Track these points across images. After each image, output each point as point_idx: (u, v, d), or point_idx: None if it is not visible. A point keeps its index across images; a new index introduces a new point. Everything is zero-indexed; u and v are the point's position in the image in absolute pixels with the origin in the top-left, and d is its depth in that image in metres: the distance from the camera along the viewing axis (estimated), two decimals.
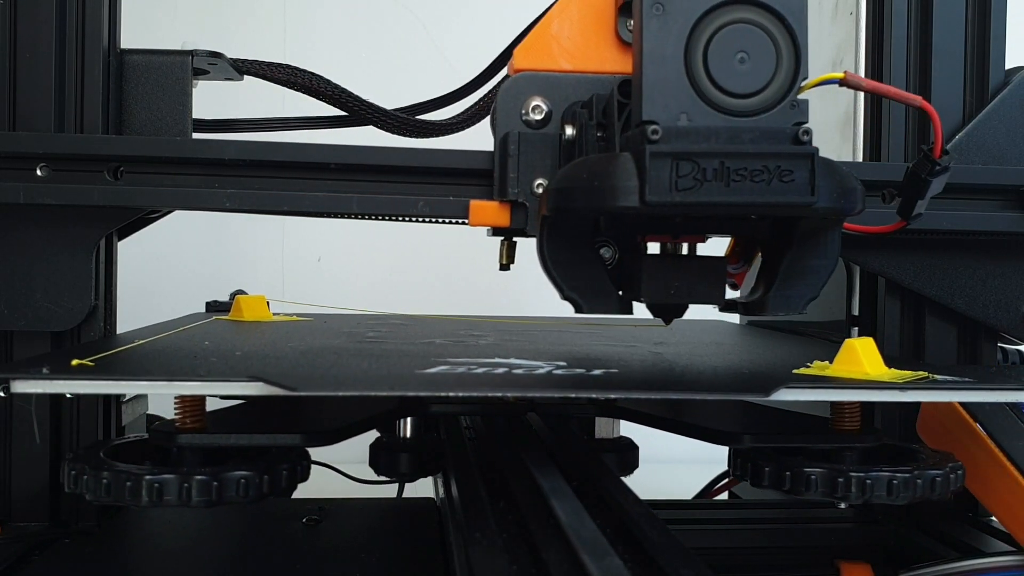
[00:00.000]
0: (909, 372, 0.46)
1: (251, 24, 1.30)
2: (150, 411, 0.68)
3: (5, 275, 0.55)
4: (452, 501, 0.48)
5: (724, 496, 0.81)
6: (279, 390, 0.39)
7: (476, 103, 0.67)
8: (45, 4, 0.56)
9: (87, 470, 0.44)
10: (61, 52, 0.56)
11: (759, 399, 0.43)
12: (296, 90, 0.64)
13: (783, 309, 0.47)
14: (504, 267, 0.55)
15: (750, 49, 0.42)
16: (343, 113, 0.65)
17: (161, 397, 0.55)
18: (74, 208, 0.55)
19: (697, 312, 0.57)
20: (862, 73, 0.66)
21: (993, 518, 0.59)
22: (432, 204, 0.54)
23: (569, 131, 0.49)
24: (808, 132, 0.42)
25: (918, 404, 0.60)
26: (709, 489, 0.79)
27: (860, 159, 0.66)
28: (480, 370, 0.46)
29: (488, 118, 0.66)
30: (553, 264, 0.47)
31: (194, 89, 0.58)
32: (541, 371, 0.47)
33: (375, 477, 0.70)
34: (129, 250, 0.64)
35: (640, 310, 0.50)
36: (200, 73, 0.60)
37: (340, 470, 0.77)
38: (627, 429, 0.64)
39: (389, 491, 0.73)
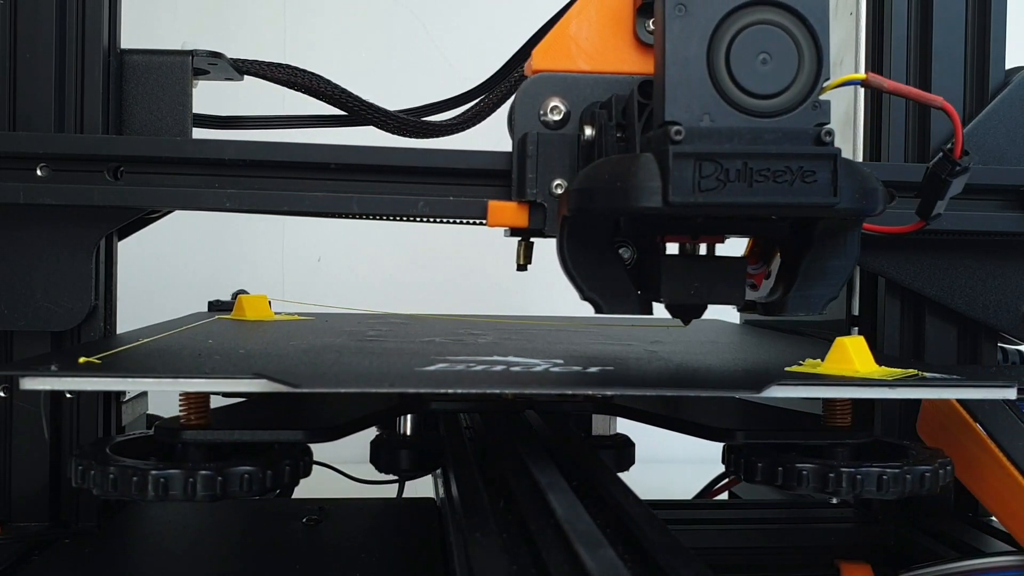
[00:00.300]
0: (899, 370, 0.47)
1: (251, 24, 1.30)
2: (150, 411, 0.68)
3: (5, 275, 0.55)
4: (452, 501, 0.48)
5: (724, 496, 0.81)
6: (282, 387, 0.40)
7: (475, 104, 0.67)
8: (45, 4, 0.56)
9: (94, 465, 0.45)
10: (61, 52, 0.56)
11: (751, 396, 0.43)
12: (296, 90, 0.64)
13: (803, 309, 0.48)
14: (522, 267, 0.56)
15: (772, 50, 0.43)
16: (344, 113, 0.65)
17: (161, 397, 0.55)
18: (74, 208, 0.55)
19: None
20: (863, 72, 0.66)
21: (993, 518, 0.59)
22: (432, 204, 0.54)
23: (588, 132, 0.50)
24: (830, 133, 0.43)
25: (918, 404, 0.60)
26: (709, 489, 0.79)
27: (860, 159, 0.66)
28: (478, 367, 0.47)
29: (486, 119, 0.66)
30: (574, 265, 0.47)
31: (194, 89, 0.58)
32: (538, 369, 0.47)
33: (375, 477, 0.70)
34: (129, 250, 0.64)
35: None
36: (200, 73, 0.60)
37: (340, 470, 0.78)
38: (625, 427, 0.64)
39: (389, 491, 0.73)
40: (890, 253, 0.62)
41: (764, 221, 0.48)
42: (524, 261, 0.55)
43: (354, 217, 0.57)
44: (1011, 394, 0.45)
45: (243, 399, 0.57)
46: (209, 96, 0.62)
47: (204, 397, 0.48)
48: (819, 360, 0.49)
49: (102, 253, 0.58)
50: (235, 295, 0.83)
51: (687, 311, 0.50)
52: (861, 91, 0.66)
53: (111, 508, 0.59)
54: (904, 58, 0.64)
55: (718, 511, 0.71)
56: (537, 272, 0.57)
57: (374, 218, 0.57)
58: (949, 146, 0.50)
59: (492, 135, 0.65)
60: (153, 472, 0.43)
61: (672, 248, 0.50)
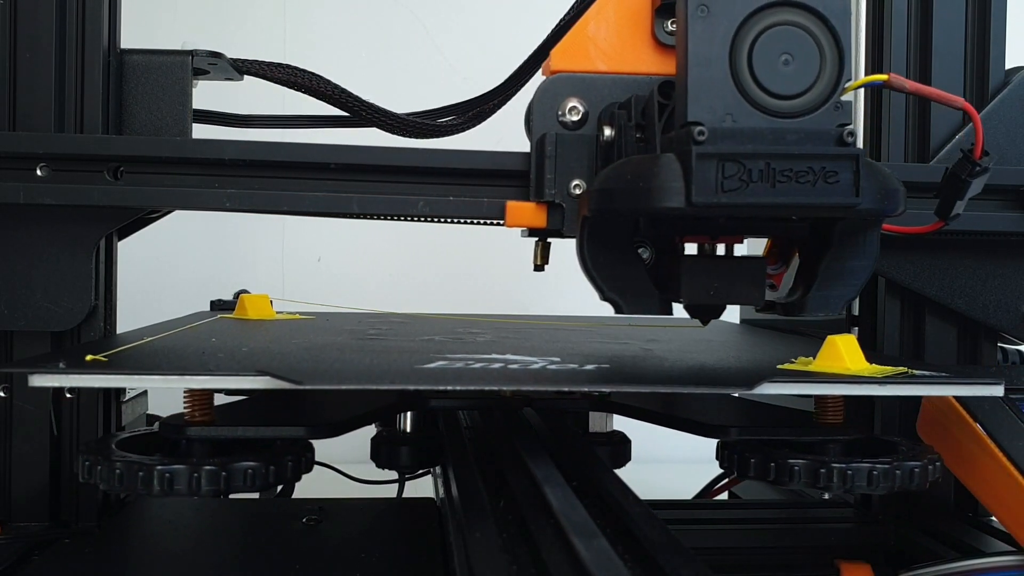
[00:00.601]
0: (890, 368, 0.47)
1: (251, 24, 1.30)
2: (149, 411, 0.68)
3: (5, 275, 0.55)
4: (452, 500, 0.48)
5: (724, 496, 0.81)
6: (285, 384, 0.41)
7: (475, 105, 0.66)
8: (45, 4, 0.56)
9: (101, 460, 0.45)
10: (61, 52, 0.56)
11: (743, 392, 0.44)
12: (296, 90, 0.64)
13: (822, 310, 0.48)
14: (539, 268, 0.56)
15: (794, 51, 0.43)
16: (345, 113, 0.65)
17: (161, 398, 0.55)
18: (74, 208, 0.55)
19: None
20: (862, 73, 0.66)
21: (993, 518, 0.59)
22: (432, 204, 0.54)
23: (608, 132, 0.50)
24: (852, 133, 0.43)
25: (918, 404, 0.60)
26: (709, 489, 0.79)
27: None
28: (477, 365, 0.47)
29: (485, 121, 0.66)
30: (594, 265, 0.48)
31: (194, 89, 0.58)
32: (536, 366, 0.48)
33: (374, 477, 0.70)
34: (129, 250, 0.64)
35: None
36: (200, 73, 0.60)
37: (340, 470, 0.78)
38: (625, 428, 0.64)
39: (389, 491, 0.73)
40: (890, 253, 0.62)
41: (784, 221, 0.48)
42: (541, 261, 0.55)
43: (358, 217, 0.57)
44: (998, 391, 0.45)
45: (245, 397, 0.58)
46: (209, 96, 0.62)
47: (208, 394, 0.49)
48: (811, 358, 0.49)
49: (102, 253, 0.58)
50: (237, 295, 0.83)
51: (706, 311, 0.51)
52: (861, 91, 0.66)
53: (111, 508, 0.59)
54: (904, 58, 0.64)
55: (718, 511, 0.71)
56: (537, 272, 0.58)
57: (385, 218, 0.57)
58: (969, 147, 0.51)
59: (492, 135, 0.65)
60: (159, 467, 0.44)
61: (690, 248, 0.50)
